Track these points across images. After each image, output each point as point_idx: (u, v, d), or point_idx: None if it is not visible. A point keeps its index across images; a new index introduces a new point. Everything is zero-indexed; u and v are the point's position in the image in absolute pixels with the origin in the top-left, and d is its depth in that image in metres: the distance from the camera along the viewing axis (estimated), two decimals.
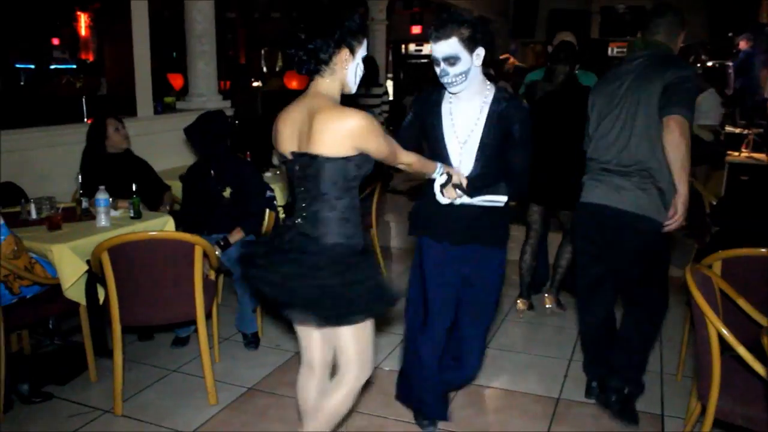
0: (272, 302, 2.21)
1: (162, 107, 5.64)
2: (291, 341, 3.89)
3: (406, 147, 2.34)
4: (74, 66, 11.08)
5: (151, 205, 3.96)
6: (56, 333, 3.67)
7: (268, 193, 4.26)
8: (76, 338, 3.66)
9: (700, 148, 4.73)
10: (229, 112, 6.16)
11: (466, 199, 2.51)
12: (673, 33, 2.90)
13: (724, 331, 2.18)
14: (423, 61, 13.64)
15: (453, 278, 2.69)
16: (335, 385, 2.34)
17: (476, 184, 2.53)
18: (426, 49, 14.95)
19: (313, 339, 2.39)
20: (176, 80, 7.68)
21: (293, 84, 8.59)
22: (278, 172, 5.01)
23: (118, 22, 5.17)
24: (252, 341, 3.80)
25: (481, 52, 2.42)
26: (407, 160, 2.30)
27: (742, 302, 2.50)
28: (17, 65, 10.77)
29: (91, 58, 11.90)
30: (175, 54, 9.33)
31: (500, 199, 2.56)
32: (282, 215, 4.44)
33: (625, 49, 13.70)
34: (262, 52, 16.03)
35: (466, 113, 2.55)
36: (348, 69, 2.15)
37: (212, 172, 3.79)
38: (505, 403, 3.20)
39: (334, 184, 2.11)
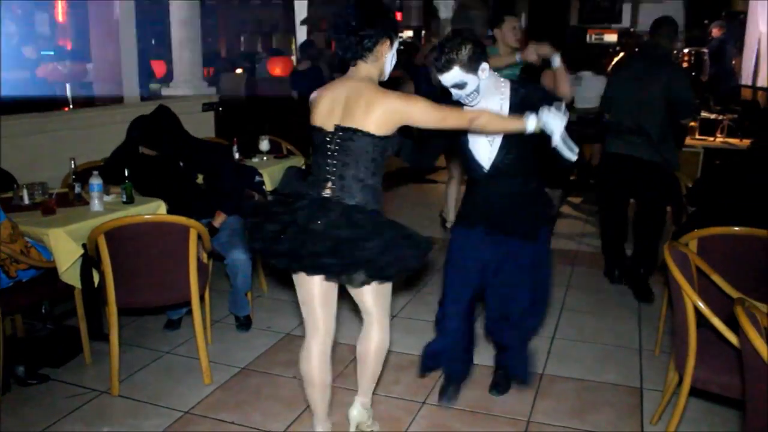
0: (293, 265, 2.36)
1: (148, 94, 5.67)
2: (282, 323, 3.98)
3: (435, 149, 2.73)
4: (53, 52, 10.97)
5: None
6: (49, 317, 3.72)
7: (257, 178, 4.33)
8: (69, 322, 3.72)
9: (586, 128, 5.74)
10: (214, 99, 6.20)
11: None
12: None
13: (700, 304, 2.31)
14: (401, 48, 13.68)
15: (474, 264, 2.84)
16: (368, 328, 2.59)
17: (503, 170, 2.69)
18: (406, 34, 15.00)
19: (323, 306, 2.50)
20: (159, 67, 7.69)
21: (276, 71, 8.60)
22: (265, 158, 5.07)
23: (104, 7, 5.17)
24: (244, 323, 3.89)
25: (485, 66, 2.53)
26: (469, 117, 2.37)
27: (716, 277, 2.64)
28: None
29: (69, 45, 11.77)
30: (153, 41, 9.30)
31: (573, 147, 2.47)
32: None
33: (603, 36, 13.89)
34: (242, 38, 15.98)
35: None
36: (387, 57, 2.42)
37: (180, 163, 3.84)
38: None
39: (372, 161, 2.34)
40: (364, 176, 2.35)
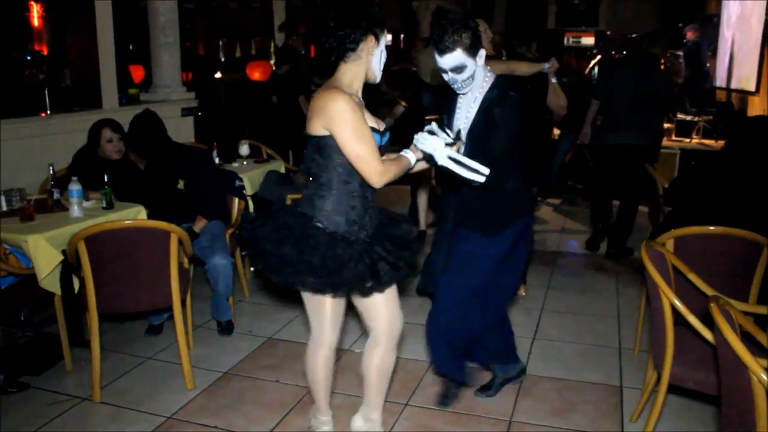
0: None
1: (127, 99, 5.63)
2: (264, 327, 3.98)
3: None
4: (29, 57, 10.84)
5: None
6: (28, 324, 3.68)
7: (237, 183, 4.33)
8: (49, 329, 3.69)
9: None
10: (193, 104, 6.18)
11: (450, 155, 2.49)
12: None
13: (677, 302, 2.35)
14: (395, 70, 13.74)
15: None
16: (373, 344, 2.56)
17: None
18: (386, 37, 15.01)
19: (332, 323, 2.50)
20: (137, 72, 7.62)
21: (255, 75, 8.57)
22: (245, 163, 5.07)
23: (80, 11, 5.14)
24: (226, 328, 3.88)
25: (482, 53, 2.54)
26: (378, 168, 2.24)
27: (692, 276, 2.69)
28: None
29: (45, 49, 11.64)
30: (131, 46, 9.22)
31: (476, 168, 2.49)
32: (251, 204, 4.51)
33: (580, 39, 14.05)
34: (221, 43, 15.89)
35: (467, 105, 2.68)
36: (373, 56, 2.32)
37: (163, 168, 3.84)
38: (470, 380, 3.34)
39: (313, 162, 2.31)
40: (323, 186, 2.33)
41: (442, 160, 2.43)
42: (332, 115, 2.19)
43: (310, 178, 2.37)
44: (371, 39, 2.29)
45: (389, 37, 14.82)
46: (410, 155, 2.43)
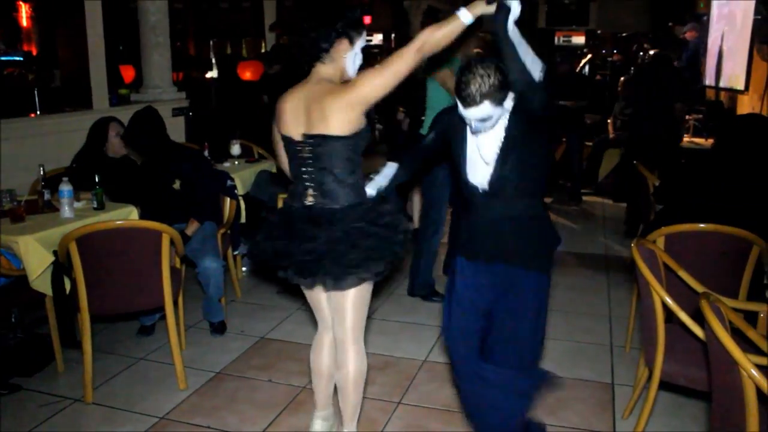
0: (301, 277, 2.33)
1: (117, 99, 5.61)
2: (256, 327, 3.97)
3: (422, 161, 2.59)
4: (20, 58, 10.80)
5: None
6: (20, 325, 3.67)
7: (229, 182, 4.32)
8: (40, 330, 3.67)
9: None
10: (184, 104, 6.17)
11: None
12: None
13: (667, 299, 2.37)
14: (374, 51, 13.74)
15: (479, 303, 2.38)
16: (343, 356, 2.49)
17: (501, 190, 2.25)
18: (376, 38, 15.04)
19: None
20: (127, 72, 7.60)
21: (246, 75, 8.56)
22: (236, 163, 5.06)
23: (70, 11, 5.11)
24: (218, 329, 3.87)
25: (510, 95, 2.15)
26: (414, 48, 2.17)
27: (682, 273, 2.70)
28: None
29: (34, 50, 11.59)
30: (121, 47, 9.19)
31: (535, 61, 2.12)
32: (243, 204, 4.51)
33: (570, 38, 14.10)
34: (211, 42, 15.86)
35: (491, 135, 2.23)
36: (346, 58, 2.31)
37: (160, 167, 3.82)
38: None
39: (348, 160, 2.29)
40: (342, 177, 2.30)
41: (512, 23, 2.10)
42: (347, 88, 2.23)
43: (324, 185, 2.34)
44: (345, 41, 2.28)
45: (380, 36, 14.83)
46: (463, 13, 2.19)
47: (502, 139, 2.21)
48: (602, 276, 4.91)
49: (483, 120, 2.14)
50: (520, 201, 2.27)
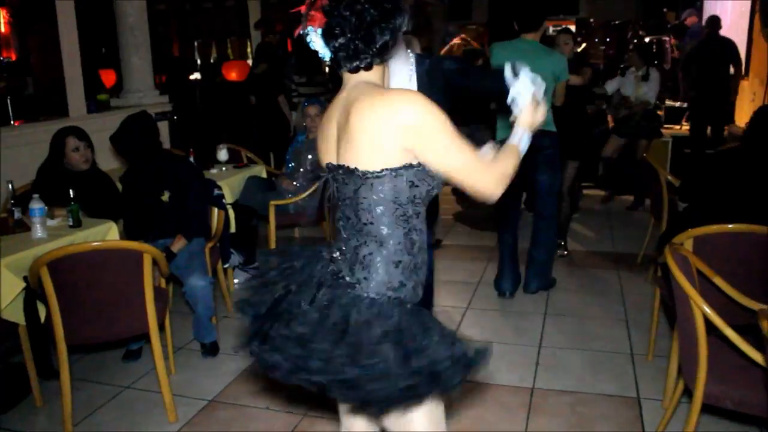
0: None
1: (95, 106, 5.32)
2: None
3: None
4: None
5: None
6: None
7: (216, 192, 4.05)
8: (15, 359, 3.39)
9: None
10: (168, 108, 5.89)
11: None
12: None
13: (712, 314, 2.11)
14: None
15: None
16: None
17: None
18: None
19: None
20: (108, 76, 7.31)
21: (232, 76, 8.28)
22: (224, 169, 4.80)
23: (42, 16, 4.82)
24: (210, 350, 3.60)
25: None
26: (492, 174, 1.56)
27: (718, 280, 2.46)
28: None
29: (13, 56, 11.26)
30: (104, 49, 8.90)
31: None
32: (231, 213, 4.24)
33: (560, 27, 13.88)
34: (195, 44, 15.55)
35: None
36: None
37: (148, 177, 3.55)
38: (482, 397, 3.10)
39: (383, 211, 1.57)
40: (375, 239, 1.58)
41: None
42: (419, 124, 1.49)
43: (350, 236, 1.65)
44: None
45: None
46: (519, 135, 1.67)
47: None
48: (613, 275, 4.67)
49: None
50: None
